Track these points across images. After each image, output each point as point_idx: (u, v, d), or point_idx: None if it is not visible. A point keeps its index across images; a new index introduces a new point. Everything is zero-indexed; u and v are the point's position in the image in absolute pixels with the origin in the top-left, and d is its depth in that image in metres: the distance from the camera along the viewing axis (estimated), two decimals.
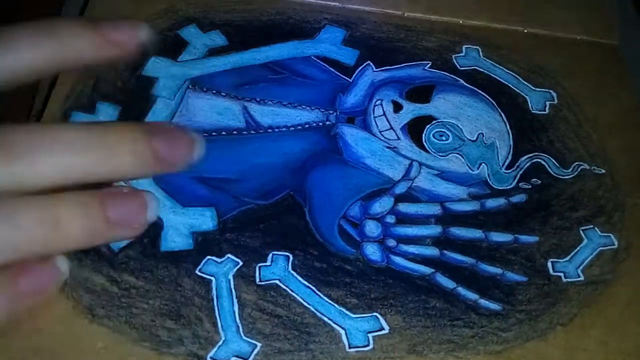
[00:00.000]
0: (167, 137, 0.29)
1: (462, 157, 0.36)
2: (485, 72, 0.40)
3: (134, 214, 0.28)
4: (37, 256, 0.27)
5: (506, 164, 0.36)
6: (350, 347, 0.29)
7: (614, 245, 0.34)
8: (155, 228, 0.31)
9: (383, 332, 0.30)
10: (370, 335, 0.29)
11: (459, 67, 0.40)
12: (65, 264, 0.28)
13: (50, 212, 0.26)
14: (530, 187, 0.35)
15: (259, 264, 0.31)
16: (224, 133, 0.35)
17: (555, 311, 0.31)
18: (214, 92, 0.37)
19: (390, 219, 0.33)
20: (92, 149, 0.27)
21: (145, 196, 0.29)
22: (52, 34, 0.29)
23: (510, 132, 0.38)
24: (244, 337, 0.29)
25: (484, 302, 0.31)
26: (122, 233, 0.29)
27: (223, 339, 0.28)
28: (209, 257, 0.31)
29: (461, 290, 0.31)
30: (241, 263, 0.31)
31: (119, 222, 0.27)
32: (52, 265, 0.28)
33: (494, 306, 0.31)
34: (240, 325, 0.29)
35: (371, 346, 0.29)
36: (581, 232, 0.34)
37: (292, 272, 0.31)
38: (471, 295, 0.31)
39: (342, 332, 0.29)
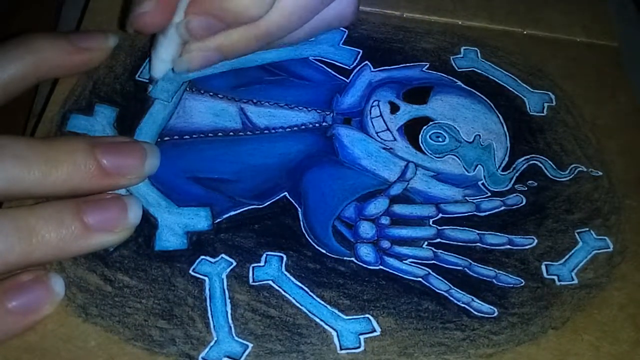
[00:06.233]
0: (111, 148, 0.29)
1: (459, 159, 0.36)
2: (484, 73, 0.40)
3: (114, 218, 0.28)
4: (17, 267, 0.27)
5: (502, 165, 0.36)
6: (341, 349, 0.29)
7: (609, 248, 0.33)
8: (150, 227, 0.31)
9: (374, 334, 0.29)
10: (361, 337, 0.29)
11: (457, 68, 0.40)
12: (60, 284, 0.28)
13: (24, 221, 0.26)
14: (526, 189, 0.35)
15: (253, 265, 0.31)
16: (220, 134, 0.35)
17: (548, 314, 0.31)
18: (211, 94, 0.37)
19: (385, 220, 0.33)
20: (33, 162, 0.27)
21: (126, 200, 0.29)
22: (29, 48, 0.32)
23: (507, 134, 0.38)
24: (236, 338, 0.29)
25: (476, 304, 0.31)
26: (106, 238, 0.29)
27: (215, 339, 0.28)
28: (202, 257, 0.31)
29: (454, 292, 0.31)
30: (235, 263, 0.31)
31: (98, 227, 0.28)
32: (45, 285, 0.28)
33: (487, 309, 0.31)
34: (232, 325, 0.29)
35: (362, 348, 0.29)
36: (576, 234, 0.34)
37: (286, 272, 0.31)
38: (464, 298, 0.31)
39: (334, 333, 0.29)
